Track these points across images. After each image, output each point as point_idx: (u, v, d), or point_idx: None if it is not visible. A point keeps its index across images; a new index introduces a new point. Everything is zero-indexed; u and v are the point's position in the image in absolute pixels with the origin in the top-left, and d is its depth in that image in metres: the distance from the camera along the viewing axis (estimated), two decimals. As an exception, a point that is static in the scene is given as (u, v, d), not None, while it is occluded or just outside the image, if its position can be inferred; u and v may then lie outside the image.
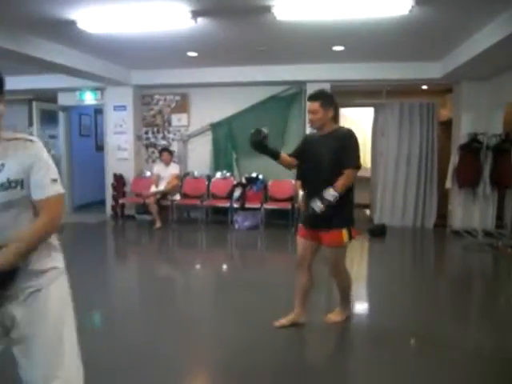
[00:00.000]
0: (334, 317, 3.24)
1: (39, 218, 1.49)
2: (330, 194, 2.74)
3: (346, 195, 2.86)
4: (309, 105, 2.97)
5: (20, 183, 1.45)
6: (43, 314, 1.52)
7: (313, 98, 2.96)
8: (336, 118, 3.05)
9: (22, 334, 1.48)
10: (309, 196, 2.97)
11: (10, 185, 1.43)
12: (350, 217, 2.98)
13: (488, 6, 4.02)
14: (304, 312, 3.19)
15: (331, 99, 2.99)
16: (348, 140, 2.88)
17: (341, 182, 2.78)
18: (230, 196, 7.15)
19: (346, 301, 3.27)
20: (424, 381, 2.52)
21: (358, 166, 2.88)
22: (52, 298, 1.54)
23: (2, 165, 1.43)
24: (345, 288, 3.20)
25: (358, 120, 9.13)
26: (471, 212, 6.65)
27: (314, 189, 2.90)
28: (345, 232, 2.88)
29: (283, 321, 3.14)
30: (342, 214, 2.88)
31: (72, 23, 4.56)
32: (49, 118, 8.18)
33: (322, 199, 2.75)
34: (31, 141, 1.51)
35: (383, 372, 2.62)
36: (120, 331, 2.64)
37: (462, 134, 6.57)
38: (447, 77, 6.24)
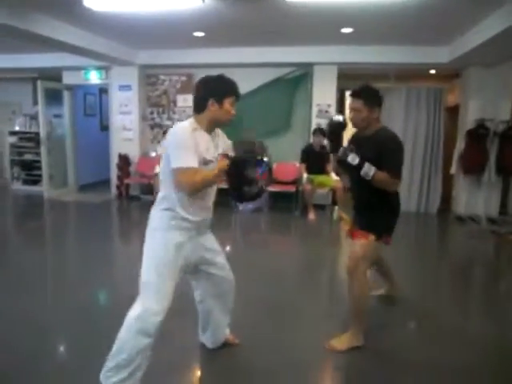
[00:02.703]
0: (337, 344, 2.67)
1: None
2: (356, 161, 2.45)
3: (383, 202, 2.58)
4: (350, 102, 2.59)
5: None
6: (213, 240, 2.50)
7: (355, 94, 2.57)
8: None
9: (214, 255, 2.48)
10: (354, 202, 2.83)
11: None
12: (384, 225, 2.64)
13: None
14: (394, 286, 3.41)
15: (378, 97, 2.58)
16: (388, 147, 2.50)
17: (380, 175, 2.44)
18: (234, 178, 7.13)
19: (356, 320, 2.68)
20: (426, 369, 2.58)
21: (396, 177, 2.48)
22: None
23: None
24: (357, 299, 2.65)
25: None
26: (475, 198, 6.67)
27: (356, 196, 2.79)
28: (372, 234, 2.58)
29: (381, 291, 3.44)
30: (376, 220, 2.62)
31: (78, 0, 4.51)
32: (54, 97, 8.14)
33: (348, 154, 2.49)
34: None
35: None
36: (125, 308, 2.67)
37: (468, 119, 6.54)
38: (455, 62, 6.17)
